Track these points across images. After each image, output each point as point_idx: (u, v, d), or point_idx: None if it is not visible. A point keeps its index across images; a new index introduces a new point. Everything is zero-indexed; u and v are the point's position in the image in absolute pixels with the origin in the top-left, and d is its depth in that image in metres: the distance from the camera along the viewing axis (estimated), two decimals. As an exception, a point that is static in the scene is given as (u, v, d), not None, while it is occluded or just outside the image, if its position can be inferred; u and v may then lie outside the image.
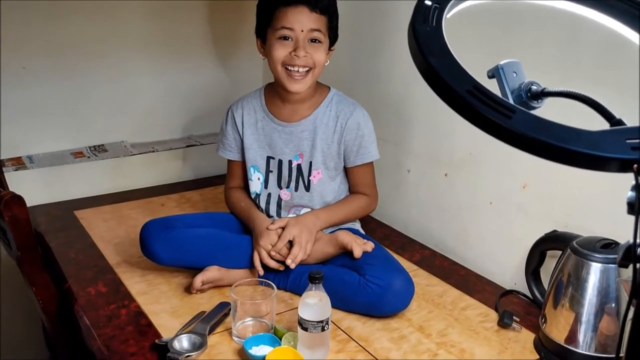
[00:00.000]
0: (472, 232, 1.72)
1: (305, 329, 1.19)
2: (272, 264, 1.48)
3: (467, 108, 0.68)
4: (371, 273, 1.38)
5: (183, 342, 1.25)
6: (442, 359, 1.27)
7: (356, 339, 1.33)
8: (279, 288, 1.52)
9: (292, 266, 1.46)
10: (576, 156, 0.66)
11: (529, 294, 1.52)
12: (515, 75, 0.81)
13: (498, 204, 1.62)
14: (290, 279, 1.49)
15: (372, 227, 1.80)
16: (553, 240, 1.37)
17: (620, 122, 0.73)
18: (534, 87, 0.80)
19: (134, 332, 1.33)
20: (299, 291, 1.49)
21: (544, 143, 0.65)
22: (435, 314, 1.44)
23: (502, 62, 0.81)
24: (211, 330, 1.32)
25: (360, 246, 1.45)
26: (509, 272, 1.60)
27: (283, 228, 1.50)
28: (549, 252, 1.41)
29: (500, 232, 1.62)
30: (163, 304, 1.44)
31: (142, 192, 2.14)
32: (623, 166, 0.66)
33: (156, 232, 1.49)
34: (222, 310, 1.38)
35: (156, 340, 1.27)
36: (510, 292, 1.55)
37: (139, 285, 1.52)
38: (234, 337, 1.31)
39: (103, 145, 2.16)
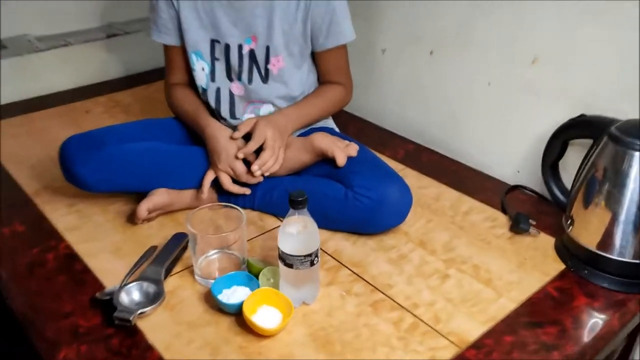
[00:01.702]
0: (464, 119, 1.46)
1: (290, 266, 0.93)
2: (235, 189, 1.19)
3: None
4: (360, 183, 1.11)
5: (133, 294, 0.98)
6: (456, 280, 1.05)
7: (348, 265, 1.09)
8: (244, 207, 1.24)
9: (260, 177, 1.18)
10: None
11: (536, 189, 1.31)
12: None
13: (499, 85, 1.35)
14: (258, 196, 1.22)
15: (342, 121, 1.51)
16: (581, 127, 1.12)
17: None
18: None
19: (67, 283, 1.04)
20: (269, 209, 1.22)
21: None
22: (436, 224, 1.21)
23: None
24: (167, 273, 1.04)
25: (342, 150, 1.17)
26: (510, 165, 1.37)
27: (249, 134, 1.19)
28: (571, 142, 1.17)
29: (500, 118, 1.37)
30: (101, 240, 1.15)
31: (59, 97, 1.75)
32: None
33: (82, 152, 1.15)
34: (179, 244, 1.10)
35: (97, 294, 0.99)
36: (516, 187, 1.33)
37: (67, 218, 1.21)
38: (197, 277, 1.04)
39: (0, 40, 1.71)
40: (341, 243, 1.15)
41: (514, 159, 1.36)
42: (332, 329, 0.94)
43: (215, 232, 1.09)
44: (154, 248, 1.11)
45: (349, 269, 1.08)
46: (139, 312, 0.93)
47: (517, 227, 1.16)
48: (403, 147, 1.52)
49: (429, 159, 1.47)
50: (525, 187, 1.33)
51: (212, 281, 1.01)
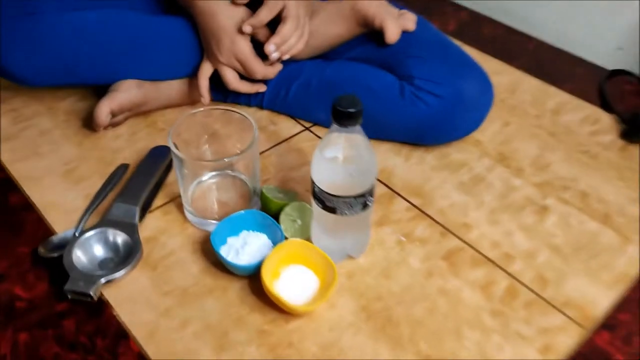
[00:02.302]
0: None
1: (331, 210, 0.61)
2: (246, 87, 0.82)
3: None
4: (423, 74, 0.75)
5: (93, 248, 0.65)
6: (559, 215, 0.74)
7: (403, 194, 0.76)
8: (248, 105, 0.89)
9: (278, 65, 0.81)
10: None
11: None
12: None
13: None
14: (270, 89, 0.85)
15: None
16: None
17: None
18: None
19: (-3, 226, 0.71)
20: (285, 109, 0.87)
21: None
22: (516, 128, 0.87)
23: None
24: (145, 210, 0.72)
25: (395, 20, 0.79)
26: (609, 40, 1.01)
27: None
28: None
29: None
30: (46, 157, 0.80)
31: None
32: None
33: (5, 23, 0.76)
34: (159, 164, 0.76)
35: (39, 249, 0.66)
36: (618, 73, 0.98)
37: (-4, 123, 0.85)
38: (187, 214, 0.72)
39: None
40: (390, 159, 0.81)
41: (613, 31, 0.99)
42: (393, 298, 0.64)
43: (212, 148, 0.74)
44: (123, 168, 0.78)
45: (406, 200, 0.76)
46: (104, 280, 0.62)
47: (635, 133, 0.83)
48: (455, 16, 1.14)
49: (493, 33, 1.09)
50: (630, 73, 0.98)
51: (210, 223, 0.69)
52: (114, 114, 0.81)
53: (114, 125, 0.84)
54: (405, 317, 0.62)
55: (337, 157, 0.59)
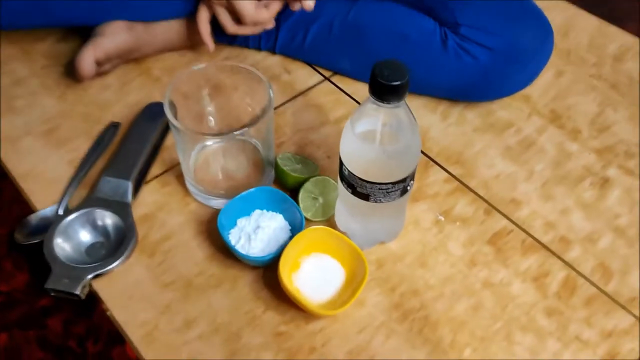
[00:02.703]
0: None
1: (364, 197, 0.50)
2: (246, 29, 0.67)
3: None
4: (471, 21, 0.62)
5: (79, 234, 0.56)
6: (624, 189, 0.63)
7: (440, 160, 0.65)
8: (258, 49, 0.76)
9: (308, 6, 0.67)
10: None
11: None
12: None
13: None
14: (283, 32, 0.72)
15: None
16: None
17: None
18: None
19: (-32, 201, 0.61)
20: (300, 55, 0.74)
21: None
22: (571, 78, 0.74)
23: None
24: (139, 184, 0.61)
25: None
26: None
27: None
28: None
29: None
30: (22, 113, 0.69)
31: None
32: None
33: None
34: (155, 126, 0.64)
35: (16, 234, 0.57)
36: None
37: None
38: (188, 186, 0.61)
39: None
40: (424, 118, 0.69)
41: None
42: (431, 293, 0.55)
43: (215, 103, 0.63)
44: (113, 129, 0.66)
45: (444, 169, 0.65)
46: (93, 275, 0.52)
47: None
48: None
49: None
50: None
51: (215, 201, 0.59)
52: (100, 63, 0.68)
53: (101, 75, 0.71)
54: (446, 317, 0.53)
55: (374, 136, 0.47)
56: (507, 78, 0.64)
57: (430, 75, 0.65)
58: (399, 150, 0.47)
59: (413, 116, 0.47)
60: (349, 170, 0.49)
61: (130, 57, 0.72)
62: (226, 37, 0.72)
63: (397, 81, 0.43)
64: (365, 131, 0.47)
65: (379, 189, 0.49)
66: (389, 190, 0.49)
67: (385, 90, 0.43)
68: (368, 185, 0.48)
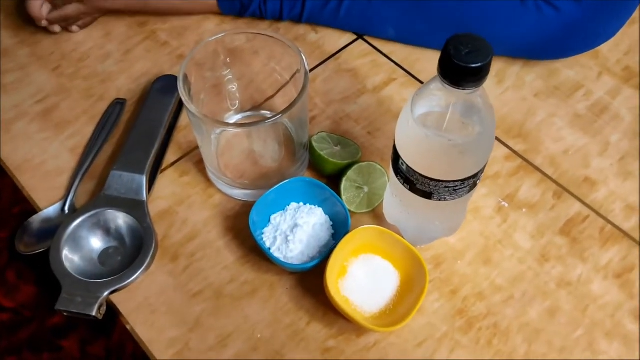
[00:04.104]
0: None
1: (427, 195, 0.42)
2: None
3: None
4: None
5: (89, 242, 0.48)
6: None
7: (499, 135, 0.56)
8: (278, 19, 0.65)
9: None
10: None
11: None
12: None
13: None
14: (312, -6, 0.62)
15: None
16: None
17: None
18: None
19: (-41, 199, 0.53)
20: (333, 24, 0.63)
21: None
22: (644, 27, 0.64)
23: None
24: (154, 176, 0.53)
25: None
26: None
27: None
28: None
29: None
30: (10, 89, 0.60)
31: None
32: None
33: None
34: (167, 104, 0.55)
35: (17, 244, 0.49)
36: None
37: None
38: (210, 175, 0.53)
39: None
40: (476, 81, 0.60)
41: None
42: (499, 296, 0.47)
43: (234, 71, 0.54)
44: (119, 107, 0.58)
45: (504, 144, 0.56)
46: (110, 291, 0.45)
47: None
48: None
49: None
50: None
51: (239, 191, 0.51)
52: (69, 18, 0.59)
53: (82, 27, 0.62)
54: (518, 324, 0.46)
55: (442, 126, 0.38)
56: (593, 31, 0.55)
57: (504, 31, 0.55)
58: (472, 143, 0.38)
59: (488, 98, 0.38)
60: (407, 165, 0.41)
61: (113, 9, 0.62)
62: (239, 3, 0.62)
63: (478, 62, 0.33)
64: (430, 120, 0.38)
65: (445, 187, 0.40)
66: (457, 187, 0.41)
67: (462, 74, 0.34)
68: (432, 183, 0.40)
